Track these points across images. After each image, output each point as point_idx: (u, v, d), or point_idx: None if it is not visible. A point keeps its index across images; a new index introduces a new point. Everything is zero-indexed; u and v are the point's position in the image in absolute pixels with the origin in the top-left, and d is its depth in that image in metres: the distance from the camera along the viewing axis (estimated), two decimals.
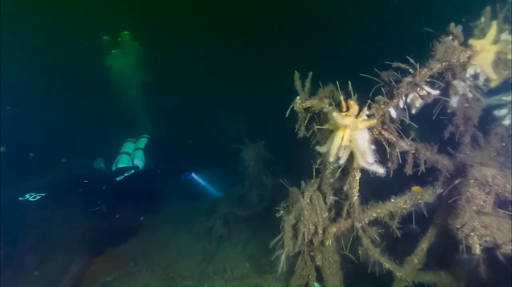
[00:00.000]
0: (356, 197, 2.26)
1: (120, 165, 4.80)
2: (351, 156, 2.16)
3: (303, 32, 6.90)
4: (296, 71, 2.55)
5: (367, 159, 1.87)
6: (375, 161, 1.88)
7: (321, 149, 2.43)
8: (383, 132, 2.07)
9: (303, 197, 2.61)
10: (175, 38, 7.74)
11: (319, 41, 6.79)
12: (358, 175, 2.22)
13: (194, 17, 7.69)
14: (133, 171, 4.73)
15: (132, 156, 4.92)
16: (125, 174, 4.68)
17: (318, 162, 2.69)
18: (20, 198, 4.17)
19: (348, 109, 2.07)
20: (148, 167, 5.00)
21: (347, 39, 6.52)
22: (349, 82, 2.07)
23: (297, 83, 2.53)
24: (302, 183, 2.82)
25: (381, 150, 2.13)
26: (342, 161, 2.12)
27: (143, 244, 4.19)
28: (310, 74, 2.54)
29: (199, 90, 7.32)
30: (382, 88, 2.09)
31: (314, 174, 2.80)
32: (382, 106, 2.07)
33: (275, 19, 7.32)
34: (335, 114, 1.93)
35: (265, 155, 4.63)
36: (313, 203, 2.56)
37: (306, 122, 2.53)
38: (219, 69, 7.45)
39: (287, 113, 2.60)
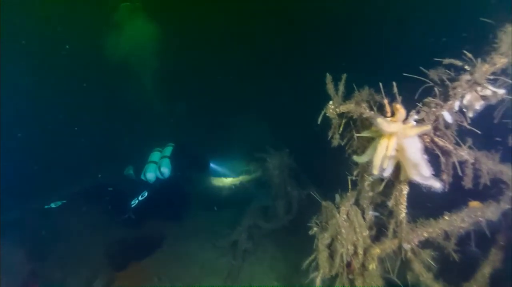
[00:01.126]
0: (403, 215, 1.97)
1: (148, 174, 4.91)
2: (397, 168, 1.89)
3: (332, 30, 6.53)
4: (327, 74, 2.33)
5: (422, 172, 1.59)
6: (432, 174, 1.60)
7: (359, 159, 2.17)
8: (436, 139, 1.78)
9: (339, 212, 2.34)
10: (193, 38, 7.59)
11: (350, 40, 6.39)
12: (405, 189, 1.94)
13: (214, 16, 7.48)
14: (146, 194, 4.77)
15: (159, 164, 4.98)
16: (139, 198, 4.72)
17: (355, 173, 2.42)
18: (46, 206, 4.35)
19: (393, 114, 1.81)
20: (174, 175, 5.05)
21: (381, 37, 6.11)
22: (394, 84, 1.81)
23: (330, 87, 2.30)
24: (337, 196, 2.56)
25: (431, 159, 1.85)
26: (386, 174, 1.85)
27: (166, 259, 4.07)
28: (344, 76, 2.30)
29: (219, 94, 7.19)
30: (435, 88, 1.81)
31: (349, 186, 2.53)
32: (434, 109, 1.79)
33: (302, 17, 7.00)
34: (379, 120, 1.68)
35: (290, 164, 4.38)
36: (351, 219, 2.29)
37: (341, 129, 2.29)
38: (240, 71, 7.25)
39: (319, 119, 2.37)
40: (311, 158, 4.91)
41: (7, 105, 5.73)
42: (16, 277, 3.17)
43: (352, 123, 2.33)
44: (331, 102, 2.29)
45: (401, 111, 1.74)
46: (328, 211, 2.49)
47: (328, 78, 2.29)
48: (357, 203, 2.42)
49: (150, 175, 4.98)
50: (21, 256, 3.39)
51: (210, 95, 7.24)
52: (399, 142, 1.73)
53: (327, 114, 2.33)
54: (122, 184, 5.10)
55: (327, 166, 5.32)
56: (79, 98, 6.61)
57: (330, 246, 2.37)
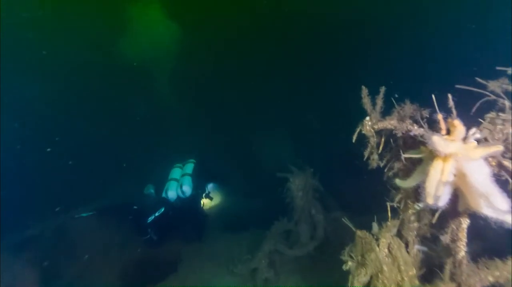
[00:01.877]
0: (463, 253, 1.64)
1: (170, 192, 4.83)
2: (454, 196, 1.58)
3: (361, 39, 6.27)
4: (363, 87, 2.09)
5: (495, 205, 1.28)
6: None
7: (403, 183, 1.88)
8: (505, 162, 1.47)
9: (378, 245, 2.02)
10: (211, 47, 7.57)
11: (385, 50, 6.06)
12: (465, 223, 1.61)
13: (237, 28, 7.42)
14: (162, 209, 4.68)
15: (180, 182, 4.89)
16: (156, 214, 4.64)
17: (396, 199, 2.11)
18: (76, 216, 4.42)
19: (448, 132, 1.54)
20: (196, 193, 4.97)
21: (423, 45, 5.75)
22: (449, 96, 1.55)
23: (366, 101, 2.06)
24: (374, 225, 2.24)
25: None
26: (441, 203, 1.55)
27: (180, 285, 3.79)
28: (383, 89, 2.06)
29: (241, 109, 7.03)
30: (500, 102, 1.53)
31: (389, 214, 2.21)
32: (501, 126, 1.50)
33: (327, 25, 6.81)
34: (436, 138, 1.40)
35: (315, 185, 4.08)
36: (394, 255, 1.95)
37: (380, 148, 2.01)
38: (262, 85, 7.07)
39: (354, 137, 2.12)
40: (337, 178, 4.59)
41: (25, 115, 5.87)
42: None
43: (393, 141, 2.06)
44: (367, 118, 2.04)
45: (459, 128, 1.46)
46: (364, 242, 2.17)
47: (364, 91, 2.06)
48: (399, 234, 2.10)
49: (172, 193, 4.88)
50: (34, 276, 3.28)
51: (231, 110, 7.10)
52: (459, 166, 1.44)
53: (363, 132, 2.08)
54: (145, 203, 5.01)
55: (356, 188, 4.98)
56: (96, 111, 6.69)
57: (368, 284, 2.04)
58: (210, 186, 5.45)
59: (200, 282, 3.86)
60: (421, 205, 1.94)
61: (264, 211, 5.73)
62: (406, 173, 1.96)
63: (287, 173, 4.07)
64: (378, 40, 6.36)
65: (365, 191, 4.81)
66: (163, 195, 4.90)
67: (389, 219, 2.18)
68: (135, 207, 4.81)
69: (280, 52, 7.39)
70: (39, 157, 5.45)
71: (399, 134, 1.81)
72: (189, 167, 5.18)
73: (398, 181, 1.87)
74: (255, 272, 3.69)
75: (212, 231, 5.24)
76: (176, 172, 5.13)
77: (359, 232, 2.24)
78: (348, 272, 2.42)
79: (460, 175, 1.45)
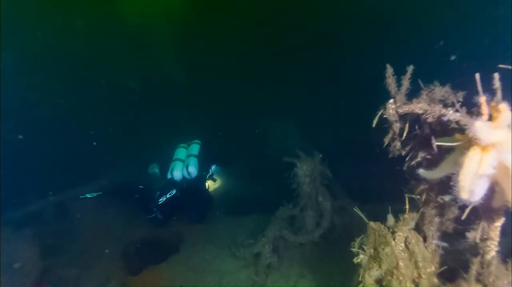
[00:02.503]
0: (493, 253, 1.48)
1: (175, 172, 4.73)
2: (489, 190, 1.41)
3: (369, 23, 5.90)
4: (388, 65, 1.87)
5: None
6: None
7: (429, 174, 1.70)
8: None
9: (394, 239, 1.87)
10: (219, 31, 7.26)
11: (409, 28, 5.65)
12: (500, 221, 1.45)
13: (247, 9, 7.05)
14: (174, 191, 4.61)
15: (186, 163, 4.79)
16: (167, 196, 4.56)
17: (417, 190, 1.95)
18: (81, 196, 4.27)
19: (490, 117, 1.34)
20: (201, 174, 4.88)
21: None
22: (495, 76, 1.33)
23: (391, 81, 1.85)
24: (390, 217, 2.08)
25: None
26: (476, 198, 1.37)
27: (182, 266, 3.77)
28: (410, 68, 1.84)
29: (246, 93, 6.79)
30: None
31: (407, 206, 2.06)
32: None
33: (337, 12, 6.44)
34: (479, 125, 1.21)
35: (323, 171, 3.92)
36: (411, 250, 1.81)
37: (404, 135, 1.82)
38: (269, 67, 6.78)
39: (375, 122, 1.92)
40: (347, 165, 4.43)
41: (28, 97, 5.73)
42: (26, 276, 3.02)
43: (418, 128, 1.87)
44: (391, 101, 1.83)
45: (506, 113, 1.26)
46: (378, 235, 2.03)
47: (389, 70, 1.84)
48: (417, 228, 1.95)
49: (177, 173, 4.78)
50: (34, 252, 3.25)
51: (238, 91, 6.85)
52: (501, 157, 1.25)
53: (385, 116, 1.88)
54: (150, 182, 4.97)
55: (366, 175, 4.83)
56: (96, 91, 6.50)
57: (381, 280, 1.91)
58: (213, 168, 5.34)
59: (202, 263, 3.81)
60: (446, 198, 1.77)
61: (269, 195, 5.63)
62: (431, 163, 1.78)
63: (294, 158, 3.91)
64: (400, 19, 5.98)
65: (376, 179, 4.68)
66: (168, 175, 4.81)
67: (407, 212, 2.02)
68: (141, 186, 4.75)
69: (291, 31, 7.04)
70: (41, 134, 5.35)
71: (430, 119, 1.61)
72: (195, 148, 5.05)
73: (423, 172, 1.69)
74: (258, 257, 3.62)
75: (215, 213, 5.19)
76: (181, 152, 5.01)
77: (372, 224, 2.09)
78: (355, 264, 2.30)
79: (501, 168, 1.27)
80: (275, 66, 6.74)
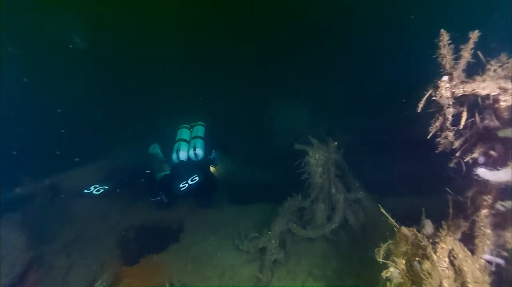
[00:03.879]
0: None
1: (181, 152, 4.51)
2: None
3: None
4: (443, 31, 1.45)
5: None
6: None
7: (495, 176, 1.32)
8: None
9: (436, 252, 1.52)
10: (225, 15, 6.77)
11: None
12: None
13: None
14: (197, 178, 4.33)
15: (193, 144, 4.56)
16: (189, 182, 4.30)
17: (469, 191, 1.57)
18: (85, 191, 4.02)
19: None
20: (206, 158, 4.68)
21: None
22: None
23: (446, 52, 1.44)
24: (427, 223, 1.73)
25: None
26: None
27: (182, 257, 3.52)
28: (474, 34, 1.42)
29: (254, 75, 6.34)
30: None
31: (450, 211, 1.69)
32: None
33: None
34: None
35: (338, 161, 3.55)
36: (458, 267, 1.46)
37: (462, 122, 1.42)
38: (278, 50, 6.30)
39: (420, 105, 1.52)
40: (364, 153, 4.04)
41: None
42: (14, 265, 2.80)
43: (478, 114, 1.46)
44: (445, 79, 1.42)
45: None
46: (412, 244, 1.67)
47: (444, 37, 1.42)
48: (464, 239, 1.59)
49: (183, 154, 4.52)
50: (22, 240, 3.02)
51: (246, 69, 6.39)
52: None
53: (434, 98, 1.47)
54: (152, 163, 4.75)
55: (387, 166, 4.45)
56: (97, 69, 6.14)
57: None
58: (213, 154, 5.03)
59: (202, 255, 3.56)
60: (508, 204, 1.39)
61: (276, 184, 5.33)
62: (493, 160, 1.39)
63: (306, 146, 3.53)
64: None
65: (397, 170, 4.32)
66: (173, 156, 4.55)
67: (450, 217, 1.66)
68: (147, 171, 4.58)
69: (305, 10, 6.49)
70: (36, 113, 5.05)
71: (501, 104, 1.20)
72: (200, 129, 4.82)
73: (483, 172, 1.31)
74: (263, 251, 3.34)
75: (218, 201, 4.92)
76: (185, 133, 4.77)
77: (405, 230, 1.74)
78: (370, 265, 1.99)
79: None
80: (286, 42, 6.22)
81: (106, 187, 4.17)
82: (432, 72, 1.51)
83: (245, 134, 5.74)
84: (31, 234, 3.19)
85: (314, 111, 5.04)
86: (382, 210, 2.05)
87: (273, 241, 3.28)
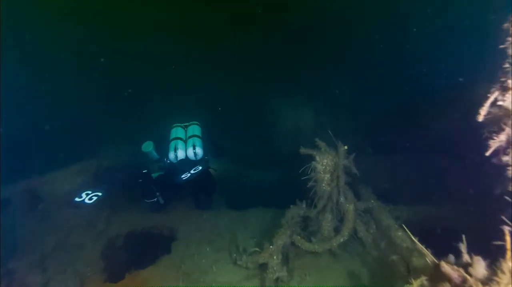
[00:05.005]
0: None
1: (179, 151, 4.27)
2: None
3: None
4: None
5: None
6: None
7: None
8: None
9: None
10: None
11: None
12: None
13: None
14: (200, 168, 4.18)
15: (192, 143, 4.32)
16: (191, 172, 4.13)
17: None
18: (76, 199, 3.67)
19: None
20: (204, 158, 4.45)
21: None
22: None
23: None
24: (478, 261, 1.37)
25: None
26: None
27: (173, 273, 3.16)
28: None
29: (254, 71, 5.95)
30: None
31: (508, 245, 1.34)
32: None
33: None
34: None
35: (348, 167, 3.19)
36: None
37: None
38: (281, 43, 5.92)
39: (482, 113, 1.15)
40: (376, 157, 3.69)
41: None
42: None
43: None
44: None
45: None
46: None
47: None
48: None
49: (181, 153, 4.26)
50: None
51: (240, 66, 6.01)
52: None
53: (500, 103, 1.10)
54: (146, 163, 4.48)
55: (399, 172, 4.11)
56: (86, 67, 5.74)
57: None
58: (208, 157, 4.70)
59: (196, 270, 3.20)
60: None
61: (277, 187, 4.98)
62: None
63: (313, 150, 3.16)
64: None
65: (410, 177, 3.98)
66: (170, 155, 4.28)
67: (508, 255, 1.30)
68: (144, 171, 4.31)
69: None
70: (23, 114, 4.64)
71: None
72: (196, 129, 4.55)
73: None
74: (263, 268, 2.99)
75: (215, 205, 4.56)
76: (180, 132, 4.50)
77: (446, 268, 1.38)
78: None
79: None
80: (289, 34, 5.82)
81: (100, 194, 3.82)
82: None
83: (243, 134, 5.36)
84: (2, 245, 2.81)
85: (319, 109, 4.66)
86: (409, 233, 1.70)
87: (275, 257, 2.93)
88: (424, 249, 1.66)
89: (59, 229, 3.49)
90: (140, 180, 4.24)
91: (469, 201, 3.20)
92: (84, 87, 5.42)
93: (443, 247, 2.56)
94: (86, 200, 3.72)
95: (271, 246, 3.00)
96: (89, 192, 3.76)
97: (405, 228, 1.80)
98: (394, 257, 2.61)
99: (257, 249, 3.06)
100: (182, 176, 4.08)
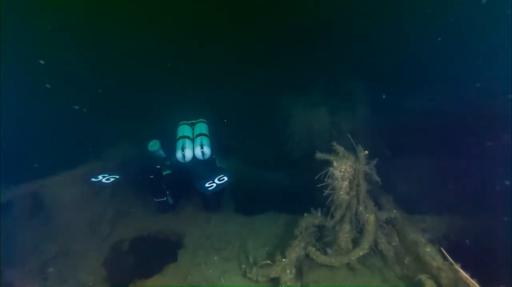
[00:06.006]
0: None
1: (187, 150, 4.09)
2: None
3: None
4: None
5: None
6: None
7: None
8: None
9: None
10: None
11: None
12: None
13: None
14: (225, 178, 3.77)
15: (200, 142, 4.14)
16: (217, 182, 3.75)
17: None
18: (93, 179, 3.62)
19: None
20: (211, 157, 4.29)
21: None
22: None
23: None
24: None
25: None
26: None
27: (178, 283, 2.98)
28: None
29: (265, 67, 5.69)
30: None
31: None
32: None
33: None
34: None
35: (368, 173, 2.91)
36: None
37: None
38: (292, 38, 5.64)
39: None
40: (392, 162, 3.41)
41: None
42: None
43: None
44: None
45: None
46: None
47: None
48: None
49: (189, 152, 4.09)
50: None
51: (253, 64, 5.75)
52: None
53: None
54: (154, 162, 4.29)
55: (420, 178, 3.80)
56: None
57: None
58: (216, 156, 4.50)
59: (202, 281, 3.01)
60: None
61: (289, 190, 4.74)
62: None
63: (330, 154, 2.90)
64: None
65: (433, 183, 3.66)
66: (178, 153, 4.10)
67: None
68: (158, 166, 4.21)
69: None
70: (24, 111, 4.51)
71: None
72: (203, 127, 4.38)
73: None
74: (275, 282, 2.77)
75: (224, 210, 4.36)
76: (186, 130, 4.33)
77: None
78: None
79: None
80: (301, 28, 5.52)
81: (117, 177, 3.75)
82: None
83: (253, 133, 5.12)
84: (2, 252, 2.68)
85: (334, 109, 4.36)
86: (450, 259, 1.45)
87: (288, 271, 2.71)
88: (470, 279, 1.39)
89: (61, 235, 3.35)
90: (152, 176, 4.11)
91: (502, 212, 2.88)
92: (88, 87, 5.26)
93: (474, 264, 2.29)
94: (104, 181, 3.65)
95: (284, 259, 2.77)
96: (106, 175, 3.71)
97: (444, 252, 1.54)
98: (423, 277, 2.34)
99: (268, 261, 2.84)
100: (207, 185, 3.74)
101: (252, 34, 6.42)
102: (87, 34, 6.08)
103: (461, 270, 1.46)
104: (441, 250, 1.72)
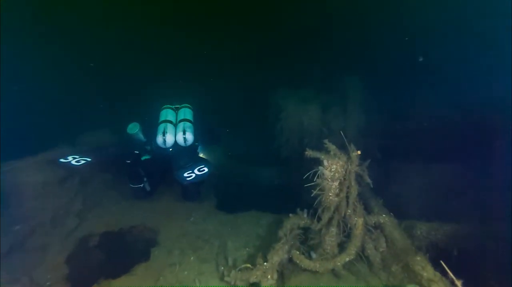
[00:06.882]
0: None
1: (168, 135, 3.89)
2: None
3: None
4: None
5: None
6: None
7: None
8: None
9: None
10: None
11: None
12: None
13: None
14: (205, 169, 3.64)
15: (182, 128, 3.94)
16: (196, 173, 3.63)
17: None
18: (61, 159, 3.41)
19: None
20: (194, 145, 4.10)
21: None
22: None
23: None
24: None
25: None
26: None
27: (149, 284, 2.71)
28: None
29: (256, 60, 5.45)
30: None
31: None
32: None
33: None
34: None
35: (360, 174, 2.74)
36: None
37: None
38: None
39: None
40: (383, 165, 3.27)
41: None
42: None
43: None
44: None
45: None
46: None
47: None
48: None
49: (170, 137, 3.89)
50: None
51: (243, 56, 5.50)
52: None
53: None
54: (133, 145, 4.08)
55: (410, 182, 3.68)
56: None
57: None
58: (200, 143, 4.27)
59: (176, 282, 2.76)
60: None
61: (275, 187, 4.54)
62: None
63: (321, 153, 2.70)
64: None
65: (424, 187, 3.54)
66: (158, 138, 3.88)
67: None
68: (136, 151, 4.01)
69: None
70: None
71: None
72: (188, 112, 4.17)
73: None
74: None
75: (203, 207, 4.10)
76: (170, 114, 4.11)
77: None
78: None
79: None
80: (294, 22, 5.30)
81: (89, 159, 3.53)
82: None
83: (241, 125, 4.87)
84: None
85: (326, 105, 4.18)
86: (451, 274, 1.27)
87: (269, 277, 2.50)
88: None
89: (18, 227, 2.99)
90: (128, 161, 3.90)
91: (494, 220, 2.79)
92: (62, 65, 4.84)
93: (461, 272, 2.17)
94: (73, 162, 3.42)
95: (265, 263, 2.56)
96: (77, 156, 3.47)
97: (445, 266, 1.36)
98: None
99: (248, 265, 2.62)
100: (185, 175, 3.59)
101: (246, 28, 6.16)
102: (67, 13, 5.64)
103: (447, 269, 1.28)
104: (441, 263, 1.55)
